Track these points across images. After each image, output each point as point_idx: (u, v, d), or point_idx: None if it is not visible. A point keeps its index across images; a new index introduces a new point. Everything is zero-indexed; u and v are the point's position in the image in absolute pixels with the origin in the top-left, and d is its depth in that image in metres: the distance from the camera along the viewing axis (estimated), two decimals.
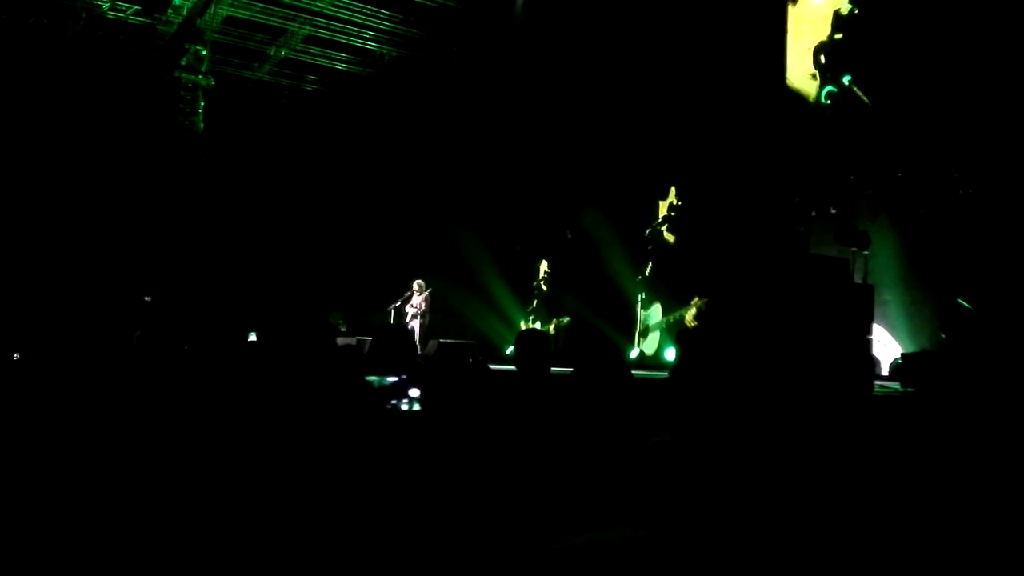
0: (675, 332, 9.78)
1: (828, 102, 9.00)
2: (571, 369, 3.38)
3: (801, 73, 9.50)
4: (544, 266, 13.94)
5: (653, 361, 11.16)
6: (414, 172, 16.18)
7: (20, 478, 2.73)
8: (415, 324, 12.31)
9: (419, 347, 12.05)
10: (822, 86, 9.14)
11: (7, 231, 14.59)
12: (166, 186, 15.61)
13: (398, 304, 12.58)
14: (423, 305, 12.40)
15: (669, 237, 11.37)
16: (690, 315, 10.18)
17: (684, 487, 1.72)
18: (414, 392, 3.25)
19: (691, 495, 1.69)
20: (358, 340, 11.51)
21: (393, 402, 3.27)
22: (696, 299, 10.09)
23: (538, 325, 13.51)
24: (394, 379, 3.30)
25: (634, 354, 11.72)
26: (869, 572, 2.32)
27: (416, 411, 3.23)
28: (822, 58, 9.19)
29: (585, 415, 3.13)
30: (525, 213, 14.49)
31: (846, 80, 8.78)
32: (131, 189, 15.49)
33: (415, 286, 12.49)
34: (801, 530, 2.32)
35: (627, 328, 12.02)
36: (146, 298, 13.61)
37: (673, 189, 11.41)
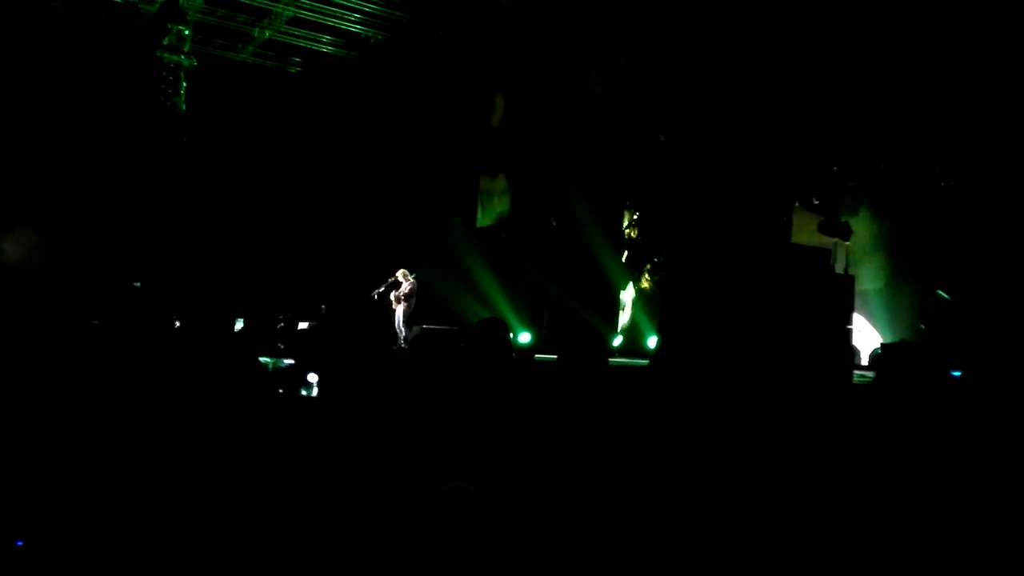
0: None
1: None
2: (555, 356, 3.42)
3: None
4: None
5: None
6: (398, 157, 16.09)
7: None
8: (399, 309, 12.28)
9: (403, 331, 12.04)
10: None
11: None
12: (148, 168, 15.45)
13: (382, 290, 12.53)
14: (407, 289, 12.37)
15: (632, 233, 11.50)
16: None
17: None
18: (312, 378, 3.25)
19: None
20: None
21: (289, 388, 3.27)
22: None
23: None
24: (290, 362, 3.31)
25: (617, 342, 11.76)
26: (842, 559, 2.34)
27: (313, 397, 3.23)
28: None
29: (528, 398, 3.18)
30: (510, 200, 14.45)
31: None
32: (113, 171, 15.31)
33: (399, 273, 12.46)
34: (780, 514, 2.35)
35: (610, 316, 12.05)
36: (135, 284, 13.49)
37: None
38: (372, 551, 1.92)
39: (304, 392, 3.29)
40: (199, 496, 2.49)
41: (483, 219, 14.70)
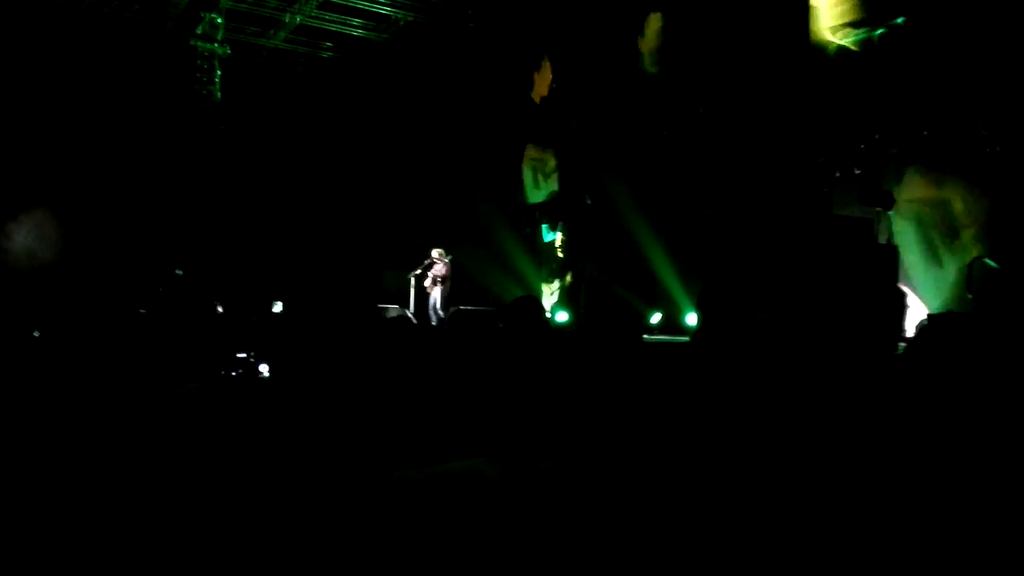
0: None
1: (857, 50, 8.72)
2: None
3: (827, 25, 9.27)
4: (559, 237, 13.69)
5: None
6: (431, 138, 16.09)
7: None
8: (436, 291, 12.34)
9: (441, 313, 12.10)
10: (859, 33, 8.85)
11: (30, 207, 14.73)
12: (186, 157, 15.65)
13: (418, 272, 12.60)
14: (443, 272, 12.41)
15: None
16: None
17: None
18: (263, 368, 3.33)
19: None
20: (378, 307, 11.59)
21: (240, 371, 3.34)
22: None
23: (555, 286, 13.43)
24: (243, 356, 3.38)
25: (655, 319, 11.67)
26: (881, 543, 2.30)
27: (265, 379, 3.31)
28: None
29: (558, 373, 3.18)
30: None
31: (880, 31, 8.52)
32: (152, 162, 15.55)
33: (435, 254, 12.50)
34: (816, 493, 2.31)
35: (649, 294, 11.94)
36: (177, 271, 13.73)
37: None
38: (376, 531, 1.89)
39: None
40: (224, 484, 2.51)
41: (535, 195, 14.53)
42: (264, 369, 3.41)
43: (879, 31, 8.64)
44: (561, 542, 1.81)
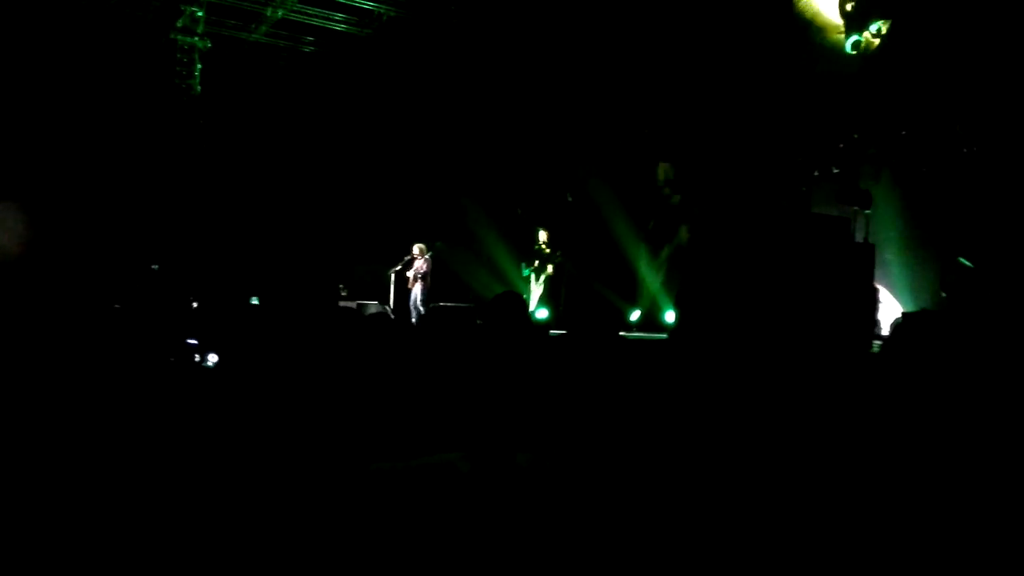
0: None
1: (854, 52, 8.81)
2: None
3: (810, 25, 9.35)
4: (543, 235, 13.68)
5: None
6: (413, 135, 16.05)
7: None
8: (417, 287, 12.32)
9: (421, 310, 12.08)
10: (848, 35, 8.94)
11: (5, 200, 14.53)
12: (165, 151, 15.52)
13: (399, 268, 12.57)
14: (424, 268, 12.39)
15: (675, 197, 11.29)
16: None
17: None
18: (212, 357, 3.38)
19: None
20: (358, 304, 11.54)
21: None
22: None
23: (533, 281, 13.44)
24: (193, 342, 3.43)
25: (635, 316, 11.72)
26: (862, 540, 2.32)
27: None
28: (848, 7, 8.97)
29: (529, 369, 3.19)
30: (526, 176, 14.37)
31: (873, 29, 8.59)
32: (130, 155, 15.39)
33: (416, 250, 12.47)
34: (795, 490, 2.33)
35: (629, 291, 12.00)
36: (153, 266, 13.61)
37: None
38: (348, 525, 1.89)
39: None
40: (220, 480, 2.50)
41: None
42: (211, 358, 3.43)
43: (861, 33, 8.72)
44: (538, 535, 1.81)
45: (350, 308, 9.89)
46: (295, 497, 2.09)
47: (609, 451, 2.44)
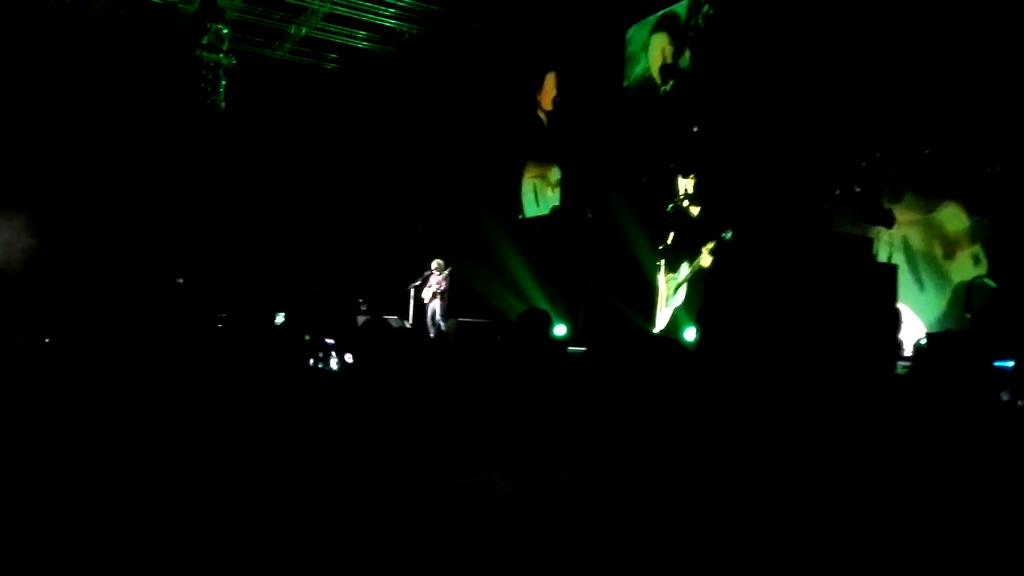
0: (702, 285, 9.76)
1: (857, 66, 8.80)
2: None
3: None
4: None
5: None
6: (434, 151, 16.16)
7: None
8: (436, 304, 12.35)
9: (441, 325, 12.11)
10: None
11: (33, 214, 14.76)
12: (189, 166, 15.72)
13: (418, 283, 12.62)
14: (443, 284, 12.43)
15: (693, 210, 11.25)
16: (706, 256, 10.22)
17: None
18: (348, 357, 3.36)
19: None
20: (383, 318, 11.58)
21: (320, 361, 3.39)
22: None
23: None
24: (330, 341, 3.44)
25: (654, 331, 11.67)
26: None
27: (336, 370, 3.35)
28: None
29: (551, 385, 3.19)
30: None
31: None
32: (154, 170, 15.61)
33: (434, 265, 12.52)
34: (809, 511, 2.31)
35: (646, 306, 11.96)
36: (178, 280, 13.76)
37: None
38: (389, 547, 1.88)
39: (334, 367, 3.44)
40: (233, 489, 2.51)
41: (538, 210, 14.47)
42: (348, 358, 3.45)
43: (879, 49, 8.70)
44: (581, 551, 1.80)
45: (404, 326, 9.93)
46: (346, 519, 2.11)
47: (644, 465, 2.44)
